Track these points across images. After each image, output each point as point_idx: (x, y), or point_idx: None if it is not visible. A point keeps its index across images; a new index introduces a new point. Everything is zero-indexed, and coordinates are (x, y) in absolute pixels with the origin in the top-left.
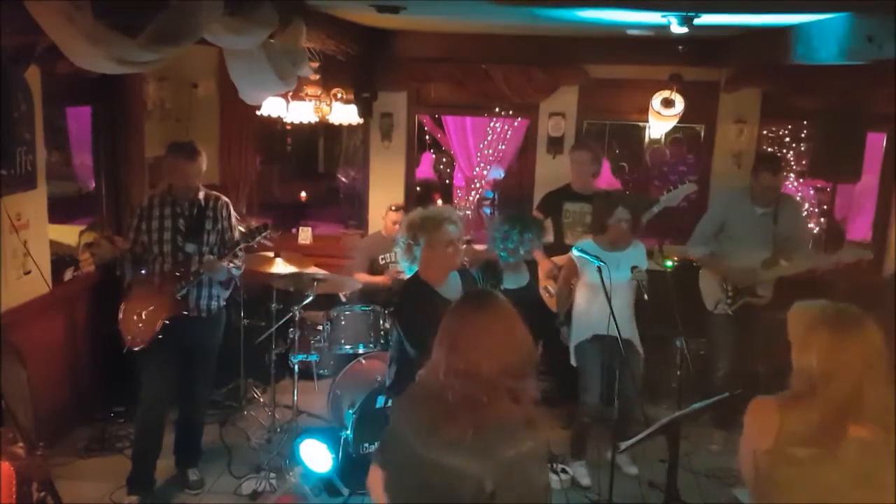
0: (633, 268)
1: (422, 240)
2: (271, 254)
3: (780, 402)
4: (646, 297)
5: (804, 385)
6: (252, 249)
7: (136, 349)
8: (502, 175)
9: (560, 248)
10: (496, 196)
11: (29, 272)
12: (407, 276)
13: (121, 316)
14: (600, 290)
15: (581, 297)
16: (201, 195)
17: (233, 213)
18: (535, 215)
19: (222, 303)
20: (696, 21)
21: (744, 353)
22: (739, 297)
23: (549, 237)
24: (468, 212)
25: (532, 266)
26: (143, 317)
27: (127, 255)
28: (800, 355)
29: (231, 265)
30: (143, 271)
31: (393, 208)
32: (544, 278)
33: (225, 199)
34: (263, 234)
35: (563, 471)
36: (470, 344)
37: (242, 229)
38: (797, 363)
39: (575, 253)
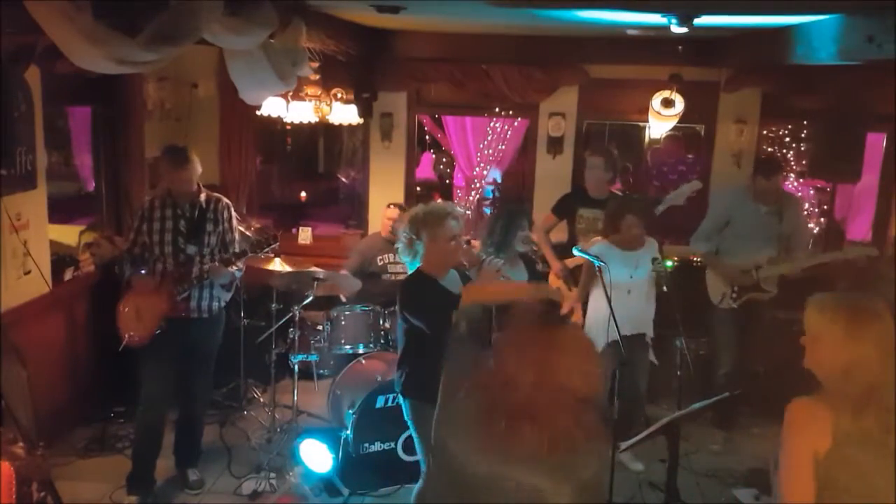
0: (654, 259)
1: (424, 235)
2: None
3: (829, 403)
4: (665, 288)
5: (858, 381)
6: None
7: (137, 349)
8: (499, 179)
9: (571, 252)
10: (496, 195)
11: (29, 272)
12: (409, 271)
13: (119, 314)
14: (624, 290)
15: (601, 299)
16: (202, 197)
17: (234, 214)
18: (549, 216)
19: (223, 304)
20: (696, 21)
21: (746, 351)
22: (745, 292)
23: (562, 238)
24: (468, 212)
25: (530, 265)
26: (142, 316)
27: (125, 256)
28: (848, 351)
29: (234, 268)
30: (142, 270)
31: (391, 205)
32: (554, 279)
33: (226, 200)
34: (273, 246)
35: None
36: (548, 360)
37: (243, 229)
38: (845, 360)
39: (575, 252)
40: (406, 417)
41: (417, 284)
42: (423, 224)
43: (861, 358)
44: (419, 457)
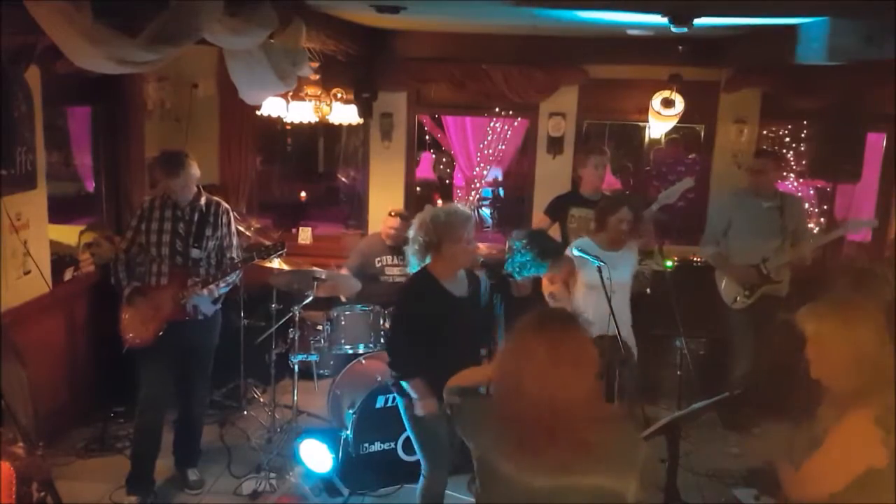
0: (641, 261)
1: (445, 237)
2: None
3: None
4: (648, 290)
5: (866, 378)
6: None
7: (135, 350)
8: (500, 177)
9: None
10: (495, 195)
11: (29, 272)
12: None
13: (123, 318)
14: (599, 291)
15: (581, 299)
16: (202, 200)
17: (233, 219)
18: (542, 217)
19: (219, 304)
20: (696, 21)
21: (759, 352)
22: (757, 287)
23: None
24: None
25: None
26: (146, 320)
27: (121, 257)
28: (854, 350)
29: (230, 279)
30: (139, 272)
31: (392, 213)
32: (548, 284)
33: (226, 205)
34: (280, 253)
35: None
36: (561, 364)
37: (242, 229)
38: (853, 360)
39: (574, 252)
40: (403, 416)
41: (421, 283)
42: (446, 227)
43: (867, 353)
44: (418, 456)
